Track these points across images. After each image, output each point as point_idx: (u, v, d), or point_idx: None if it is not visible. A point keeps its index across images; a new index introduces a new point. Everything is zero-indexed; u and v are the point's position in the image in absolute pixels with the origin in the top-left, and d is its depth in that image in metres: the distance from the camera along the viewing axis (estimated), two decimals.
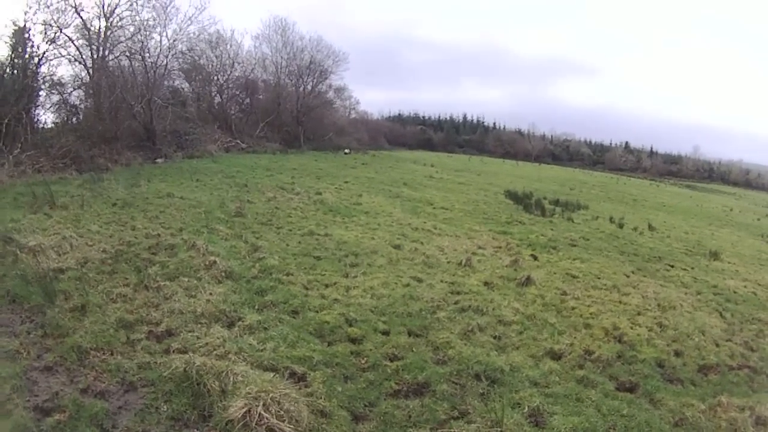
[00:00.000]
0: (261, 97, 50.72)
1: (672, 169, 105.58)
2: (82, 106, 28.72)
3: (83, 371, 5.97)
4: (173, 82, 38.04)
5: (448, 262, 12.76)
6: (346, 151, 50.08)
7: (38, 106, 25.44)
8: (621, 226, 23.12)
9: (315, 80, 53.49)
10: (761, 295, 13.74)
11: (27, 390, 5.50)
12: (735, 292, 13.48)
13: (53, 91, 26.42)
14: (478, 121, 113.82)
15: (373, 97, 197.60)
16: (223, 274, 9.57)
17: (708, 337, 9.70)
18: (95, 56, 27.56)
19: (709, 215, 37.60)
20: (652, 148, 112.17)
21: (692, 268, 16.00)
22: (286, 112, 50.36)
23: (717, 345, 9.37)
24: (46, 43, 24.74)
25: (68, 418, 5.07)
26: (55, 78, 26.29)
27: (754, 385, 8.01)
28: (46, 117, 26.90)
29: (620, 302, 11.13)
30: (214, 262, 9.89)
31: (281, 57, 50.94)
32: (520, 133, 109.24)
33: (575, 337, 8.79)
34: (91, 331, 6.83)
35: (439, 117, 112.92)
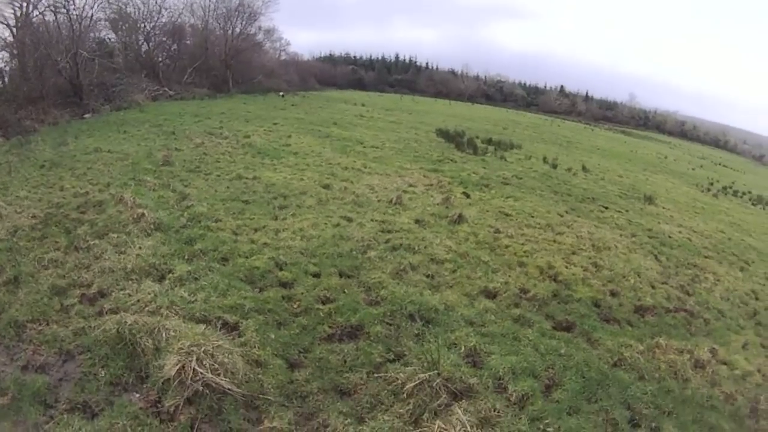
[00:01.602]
0: (188, 42, 49.83)
1: (607, 114, 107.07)
2: (7, 68, 27.51)
3: (22, 346, 5.79)
4: (99, 33, 36.41)
5: (379, 201, 12.78)
6: (281, 93, 49.04)
7: None
8: (554, 166, 23.54)
9: (244, 22, 51.70)
10: (696, 241, 14.24)
11: None
12: (670, 237, 13.92)
13: None
14: (410, 60, 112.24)
15: (305, 38, 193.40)
16: (152, 226, 9.30)
17: (644, 279, 10.02)
18: (18, 14, 26.17)
19: (644, 161, 38.56)
20: (587, 93, 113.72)
21: (627, 211, 16.45)
22: (214, 57, 49.30)
23: (653, 287, 9.70)
24: None
25: (11, 400, 4.92)
26: None
27: (692, 328, 8.36)
28: None
29: (554, 241, 11.36)
30: (143, 214, 9.58)
31: (209, 0, 49.34)
32: (453, 73, 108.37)
33: (510, 276, 8.93)
34: (26, 303, 6.60)
35: (371, 57, 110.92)
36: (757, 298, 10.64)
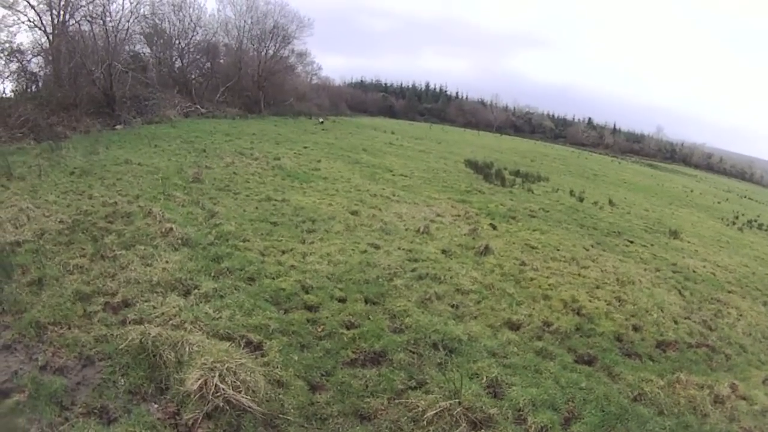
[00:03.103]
0: (222, 61, 50.05)
1: (634, 147, 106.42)
2: (42, 73, 28.08)
3: (42, 347, 5.84)
4: (134, 46, 37.04)
5: (406, 229, 12.78)
6: (321, 120, 49.20)
7: None
8: (581, 199, 23.39)
9: (277, 45, 52.47)
10: (720, 276, 14.02)
11: None
12: (694, 272, 13.72)
13: (12, 59, 25.78)
14: (440, 89, 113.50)
15: (335, 63, 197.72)
16: (180, 241, 9.39)
17: (666, 313, 9.87)
18: (55, 21, 26.76)
19: (670, 195, 38.15)
20: (615, 125, 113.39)
21: (652, 245, 16.25)
22: (247, 77, 49.70)
23: (675, 322, 9.55)
24: (5, 8, 24.02)
25: (28, 397, 4.96)
26: (14, 45, 25.73)
27: (713, 363, 8.21)
28: (5, 86, 26.24)
29: (579, 275, 11.26)
30: (171, 229, 9.68)
31: (245, 21, 50.00)
32: (482, 103, 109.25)
33: (534, 308, 8.87)
34: (49, 305, 6.66)
35: (402, 84, 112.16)
36: None
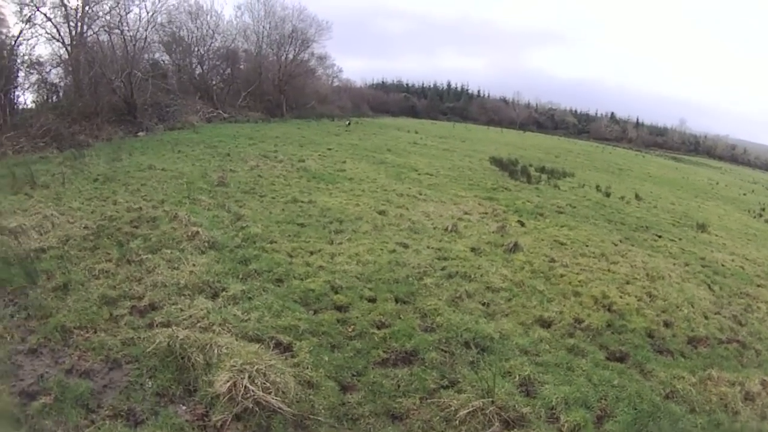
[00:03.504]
0: (242, 66, 50.31)
1: (658, 140, 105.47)
2: (62, 83, 28.44)
3: (67, 351, 5.84)
4: (153, 54, 37.26)
5: (434, 228, 12.69)
6: (348, 122, 49.15)
7: (17, 86, 25.14)
8: (608, 194, 23.12)
9: (297, 49, 53.13)
10: (749, 269, 13.73)
11: (12, 374, 5.36)
12: (723, 265, 13.44)
13: (32, 71, 26.14)
14: (462, 88, 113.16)
15: (356, 66, 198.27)
16: (206, 244, 9.40)
17: (697, 309, 9.65)
18: (73, 33, 27.13)
19: (696, 188, 37.69)
20: (638, 119, 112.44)
21: (680, 239, 15.98)
22: (268, 81, 50.11)
23: (706, 317, 9.33)
24: (23, 22, 24.33)
25: (54, 400, 4.95)
26: (33, 57, 26.08)
27: (744, 359, 7.99)
28: (26, 97, 26.71)
29: (609, 271, 11.07)
30: (197, 232, 9.69)
31: (263, 26, 50.37)
32: (504, 101, 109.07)
33: (564, 305, 8.72)
34: (74, 310, 6.68)
35: (423, 84, 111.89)
36: None
